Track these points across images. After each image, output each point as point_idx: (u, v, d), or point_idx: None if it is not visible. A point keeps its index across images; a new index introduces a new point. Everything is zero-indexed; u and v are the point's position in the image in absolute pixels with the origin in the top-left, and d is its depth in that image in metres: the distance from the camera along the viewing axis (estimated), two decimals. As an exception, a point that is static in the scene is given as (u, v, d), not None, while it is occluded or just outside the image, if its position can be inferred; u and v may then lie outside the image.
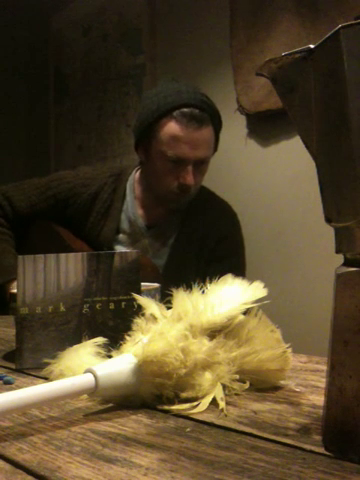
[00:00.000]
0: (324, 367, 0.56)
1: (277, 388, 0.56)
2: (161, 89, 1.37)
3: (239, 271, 1.40)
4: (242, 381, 0.54)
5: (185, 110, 1.30)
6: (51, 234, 1.43)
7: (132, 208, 1.44)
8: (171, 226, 1.43)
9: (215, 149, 1.40)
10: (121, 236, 1.43)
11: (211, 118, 1.33)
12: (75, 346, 0.57)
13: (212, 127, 1.34)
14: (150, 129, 1.34)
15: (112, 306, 0.69)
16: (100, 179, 1.46)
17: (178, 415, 0.48)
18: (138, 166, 1.49)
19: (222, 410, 0.48)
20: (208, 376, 0.51)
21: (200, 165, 1.35)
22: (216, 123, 1.35)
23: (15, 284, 0.71)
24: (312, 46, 0.41)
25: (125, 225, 1.43)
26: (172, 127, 1.30)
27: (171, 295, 0.57)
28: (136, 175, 1.48)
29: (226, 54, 2.10)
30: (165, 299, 0.58)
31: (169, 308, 0.57)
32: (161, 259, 1.41)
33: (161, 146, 1.32)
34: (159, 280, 1.17)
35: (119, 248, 1.41)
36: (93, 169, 1.58)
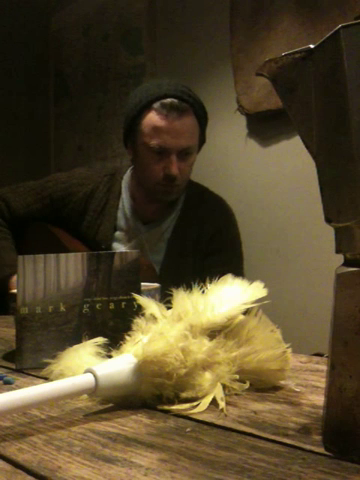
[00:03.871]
0: (324, 367, 0.56)
1: (277, 388, 0.56)
2: (143, 85, 1.41)
3: (236, 264, 1.41)
4: (242, 381, 0.54)
5: (165, 101, 1.31)
6: (47, 235, 1.44)
7: (127, 205, 1.46)
8: (167, 221, 1.45)
9: (202, 141, 1.41)
10: (118, 233, 1.44)
11: (193, 108, 1.33)
12: (75, 346, 0.57)
13: (195, 117, 1.34)
14: (134, 123, 1.36)
15: (112, 306, 0.69)
16: (95, 178, 1.49)
17: (178, 415, 0.48)
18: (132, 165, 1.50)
19: (222, 410, 0.48)
20: (208, 376, 0.51)
21: (185, 155, 1.35)
22: (199, 113, 1.36)
23: (15, 281, 0.71)
24: (312, 46, 0.41)
25: (122, 222, 1.45)
26: (153, 118, 1.32)
27: (171, 295, 0.57)
28: (130, 173, 1.49)
29: (226, 54, 2.10)
30: (165, 299, 0.58)
31: (169, 308, 0.57)
32: (158, 254, 1.43)
33: (144, 138, 1.34)
34: (155, 279, 1.18)
35: (116, 245, 1.43)
36: (88, 169, 1.62)
